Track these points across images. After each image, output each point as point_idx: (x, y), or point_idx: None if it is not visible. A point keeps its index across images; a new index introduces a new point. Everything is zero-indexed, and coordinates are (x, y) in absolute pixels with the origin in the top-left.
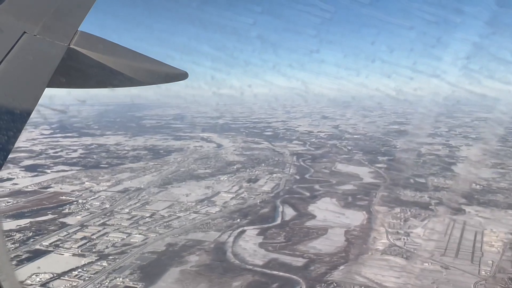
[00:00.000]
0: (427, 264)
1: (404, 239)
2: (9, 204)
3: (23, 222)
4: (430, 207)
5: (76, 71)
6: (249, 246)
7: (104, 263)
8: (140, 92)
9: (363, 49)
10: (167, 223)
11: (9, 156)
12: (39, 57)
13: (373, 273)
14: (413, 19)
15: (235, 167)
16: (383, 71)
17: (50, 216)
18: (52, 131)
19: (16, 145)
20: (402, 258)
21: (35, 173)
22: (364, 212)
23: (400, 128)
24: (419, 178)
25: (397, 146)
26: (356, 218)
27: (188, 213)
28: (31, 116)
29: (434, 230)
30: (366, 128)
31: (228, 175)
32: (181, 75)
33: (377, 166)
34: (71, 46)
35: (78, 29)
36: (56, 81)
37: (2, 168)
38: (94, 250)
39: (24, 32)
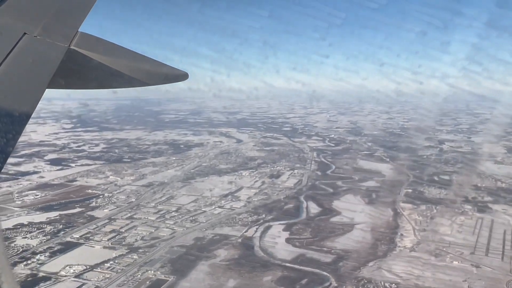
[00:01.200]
0: (457, 262)
1: (431, 236)
2: (37, 197)
3: (53, 214)
4: (455, 204)
5: (76, 72)
6: (276, 241)
7: (135, 256)
8: (151, 89)
9: (378, 46)
10: (193, 217)
11: (34, 150)
12: (40, 58)
13: (403, 270)
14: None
15: (256, 162)
16: (400, 68)
17: (78, 209)
18: (73, 125)
19: (39, 138)
20: (431, 255)
21: (60, 167)
22: (389, 209)
23: (419, 124)
24: (443, 175)
25: (418, 143)
26: (381, 214)
27: (213, 207)
28: (51, 109)
29: (462, 227)
30: (385, 124)
31: (250, 170)
32: (181, 76)
33: (399, 162)
34: (72, 47)
35: (78, 30)
36: (56, 82)
37: (26, 162)
38: (123, 243)
39: (25, 33)
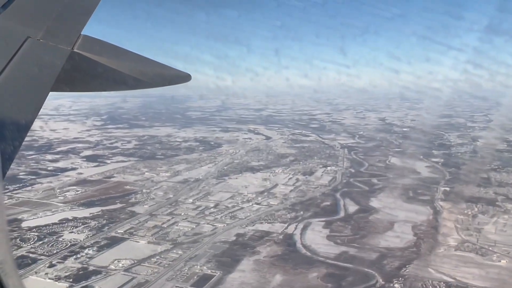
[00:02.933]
0: (504, 261)
1: (475, 235)
2: (78, 192)
3: (95, 210)
4: (497, 203)
5: (79, 74)
6: (317, 238)
7: (180, 251)
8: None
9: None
10: (232, 214)
11: (69, 147)
12: (43, 62)
13: (450, 269)
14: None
15: (287, 159)
16: (426, 63)
17: (119, 205)
18: (103, 122)
19: (72, 135)
20: (477, 254)
21: (96, 163)
22: (428, 207)
23: (450, 121)
24: (480, 173)
25: (451, 140)
26: (420, 213)
27: (250, 204)
28: (80, 107)
29: (506, 226)
30: (414, 121)
31: (283, 167)
32: (184, 77)
33: (433, 160)
34: (75, 50)
35: (81, 33)
36: (60, 85)
37: (63, 159)
38: (167, 238)
39: (28, 37)
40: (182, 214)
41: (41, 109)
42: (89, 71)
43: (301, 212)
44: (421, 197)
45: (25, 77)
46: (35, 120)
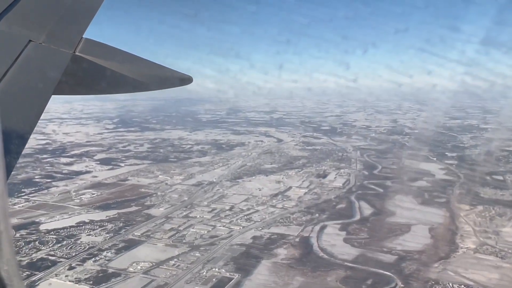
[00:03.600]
0: None
1: (494, 238)
2: (93, 195)
3: (111, 213)
4: None
5: (81, 77)
6: (334, 241)
7: (197, 254)
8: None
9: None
10: (247, 216)
11: (83, 150)
12: (45, 65)
13: (471, 272)
14: None
15: (300, 162)
16: (435, 65)
17: (134, 208)
18: (114, 125)
19: (86, 139)
20: (497, 257)
21: (110, 166)
22: (444, 209)
23: (463, 122)
24: (495, 175)
25: (464, 142)
26: (437, 215)
27: (265, 207)
28: (91, 111)
29: None
30: (426, 123)
31: (296, 170)
32: (186, 80)
33: (447, 162)
34: (76, 53)
35: (83, 36)
36: (62, 88)
37: (77, 162)
38: (184, 241)
39: (30, 41)
40: (198, 216)
41: (53, 113)
42: (91, 74)
43: (317, 215)
44: (437, 199)
45: (27, 81)
46: (39, 122)
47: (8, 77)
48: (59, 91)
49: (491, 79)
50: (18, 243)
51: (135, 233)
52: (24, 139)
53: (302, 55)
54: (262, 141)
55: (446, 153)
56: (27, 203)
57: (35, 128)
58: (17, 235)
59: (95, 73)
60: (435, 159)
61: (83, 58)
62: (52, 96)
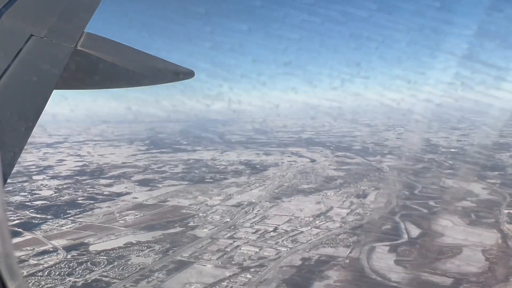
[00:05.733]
0: None
1: None
2: (137, 216)
3: (157, 234)
4: None
5: (83, 72)
6: (385, 263)
7: (248, 275)
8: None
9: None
10: (293, 238)
11: (120, 171)
12: (47, 60)
13: None
14: None
15: (337, 182)
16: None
17: (179, 229)
18: (147, 147)
19: (121, 160)
20: None
21: (149, 187)
22: (495, 230)
23: (499, 140)
24: None
25: (504, 160)
26: (487, 236)
27: (309, 228)
28: (126, 132)
29: None
30: (460, 141)
31: (334, 190)
32: (188, 74)
33: (489, 181)
34: (78, 47)
35: (84, 30)
36: (64, 83)
37: (116, 183)
38: (233, 262)
39: (31, 35)
40: (243, 237)
41: (86, 135)
42: (93, 68)
43: (363, 236)
44: (485, 220)
45: (29, 75)
46: (74, 144)
47: (10, 72)
48: (61, 85)
49: None
50: (71, 264)
51: (183, 254)
52: (26, 133)
53: (322, 73)
54: (295, 161)
55: (487, 172)
56: (73, 224)
57: (71, 151)
58: (69, 256)
59: (97, 67)
60: (475, 178)
61: (85, 53)
62: (85, 118)
